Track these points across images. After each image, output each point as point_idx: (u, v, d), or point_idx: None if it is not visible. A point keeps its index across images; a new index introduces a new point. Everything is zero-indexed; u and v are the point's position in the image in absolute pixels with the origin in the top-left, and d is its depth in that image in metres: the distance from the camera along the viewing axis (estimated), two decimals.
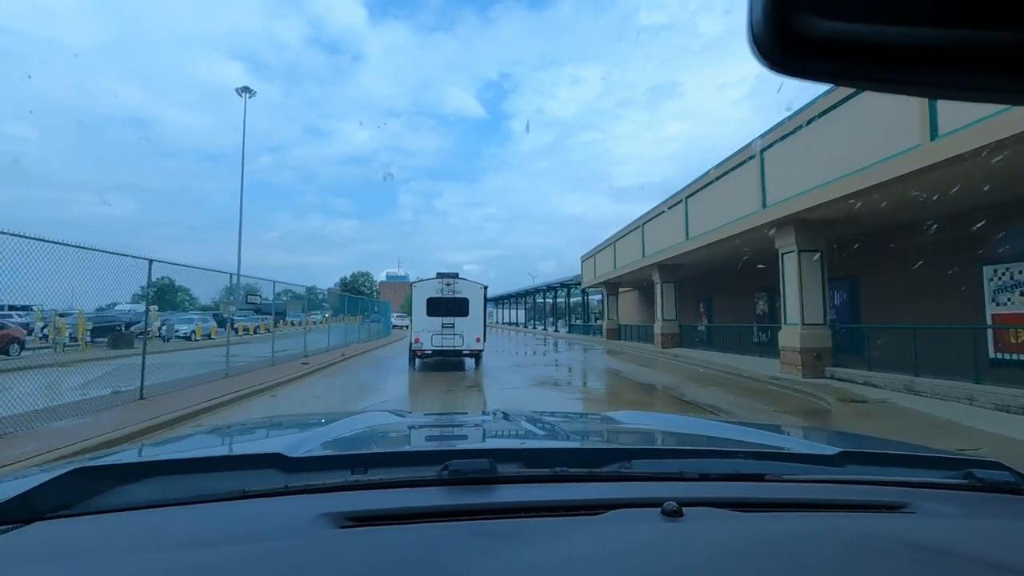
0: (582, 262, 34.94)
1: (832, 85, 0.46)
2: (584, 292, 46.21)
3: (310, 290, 24.64)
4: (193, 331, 31.83)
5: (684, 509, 0.83)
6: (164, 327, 29.79)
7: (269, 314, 38.07)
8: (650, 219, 21.74)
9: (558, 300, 54.26)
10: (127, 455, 1.24)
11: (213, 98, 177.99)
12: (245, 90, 68.99)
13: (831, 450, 1.19)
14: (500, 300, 78.48)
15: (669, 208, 19.52)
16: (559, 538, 0.77)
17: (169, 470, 1.01)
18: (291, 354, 18.76)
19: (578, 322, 48.95)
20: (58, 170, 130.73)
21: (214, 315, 42.39)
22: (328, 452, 1.19)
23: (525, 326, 61.92)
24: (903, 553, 0.76)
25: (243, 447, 1.48)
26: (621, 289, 31.56)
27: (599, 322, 49.76)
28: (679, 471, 1.04)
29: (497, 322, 76.51)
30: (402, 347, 26.50)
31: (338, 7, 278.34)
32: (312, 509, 0.82)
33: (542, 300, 59.53)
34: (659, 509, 0.83)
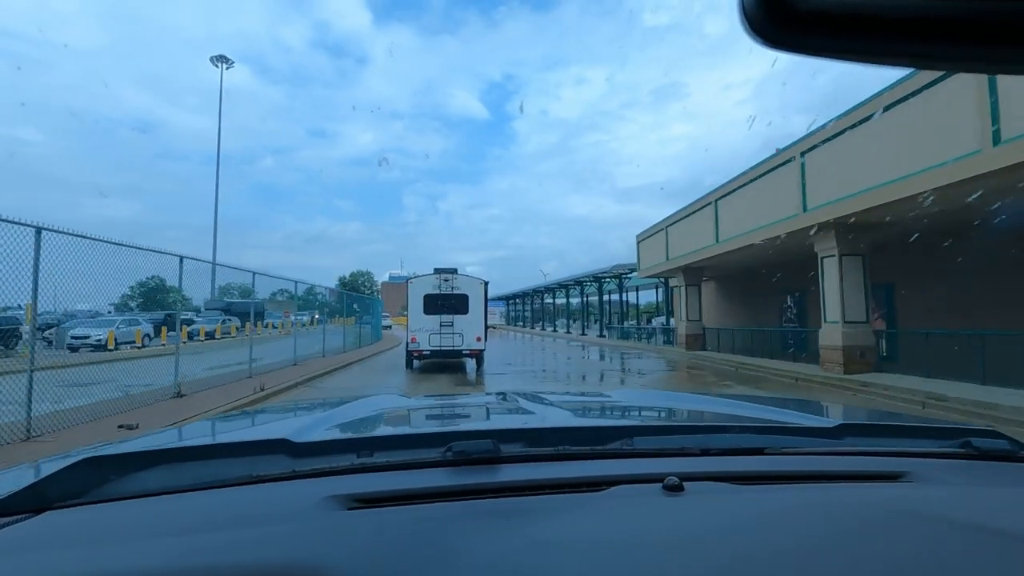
0: (638, 243, 24.95)
1: (826, 59, 0.41)
2: (621, 286, 36.31)
3: (309, 290, 20.72)
4: (105, 338, 22.48)
5: (685, 484, 0.82)
6: (53, 332, 20.96)
7: (246, 314, 28.84)
8: (822, 142, 11.77)
9: (584, 298, 44.23)
10: (137, 444, 1.18)
11: (217, 100, 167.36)
12: (221, 59, 59.70)
13: (830, 422, 1.19)
14: (510, 299, 68.51)
15: (900, 101, 9.47)
16: (562, 514, 0.76)
17: (178, 457, 1.00)
18: (158, 387, 9.35)
19: (601, 323, 39.01)
20: (65, 173, 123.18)
21: (167, 315, 33.16)
22: (334, 436, 1.18)
23: (544, 328, 51.82)
24: (902, 521, 0.76)
25: (250, 433, 1.47)
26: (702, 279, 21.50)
27: (630, 324, 39.86)
28: (680, 446, 1.04)
29: (506, 324, 66.35)
30: (387, 364, 16.85)
31: (343, 11, 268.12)
32: (319, 492, 0.81)
33: (563, 298, 49.57)
34: (661, 484, 0.83)
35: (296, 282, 16.06)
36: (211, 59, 55.98)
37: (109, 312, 22.34)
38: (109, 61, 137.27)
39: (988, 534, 0.72)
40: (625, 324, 36.99)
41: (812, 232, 12.42)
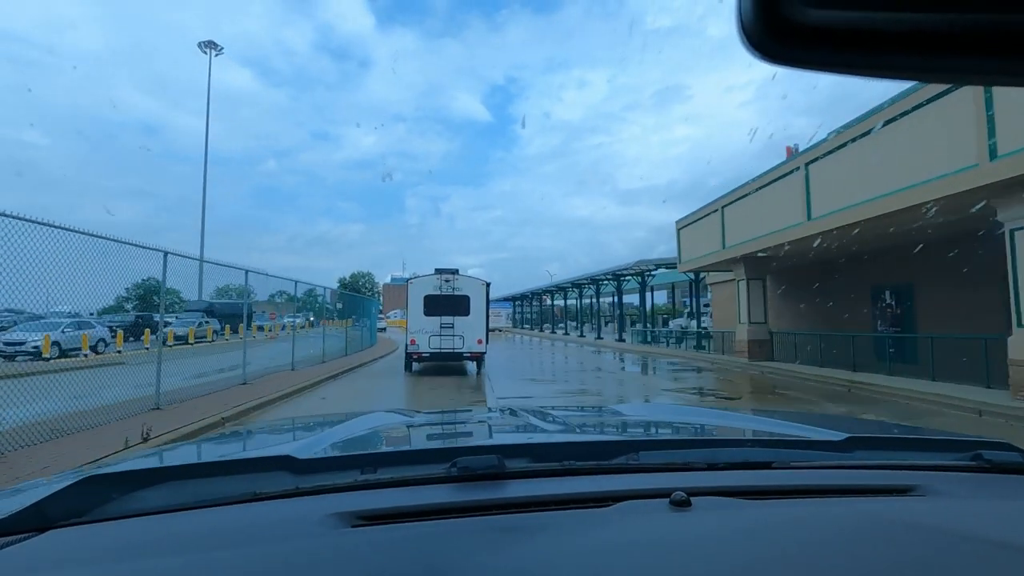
0: (679, 231, 20.62)
1: (824, 74, 0.40)
2: (643, 285, 32.07)
3: (309, 292, 18.79)
4: (40, 346, 18.57)
5: (692, 499, 0.80)
6: None
7: (231, 316, 23.87)
8: None
9: (598, 298, 39.99)
10: (138, 462, 1.15)
11: (223, 104, 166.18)
12: (210, 45, 55.66)
13: (839, 436, 1.13)
14: (517, 300, 64.28)
15: None
16: (568, 531, 0.74)
17: (180, 475, 0.98)
18: None
19: (619, 326, 34.71)
20: (69, 175, 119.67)
21: (139, 316, 29.18)
22: (337, 453, 1.14)
23: (554, 331, 47.42)
24: (913, 535, 0.74)
25: (253, 450, 1.40)
26: (751, 276, 17.11)
27: (649, 327, 35.50)
28: (686, 461, 1.01)
29: (512, 327, 61.90)
30: (374, 381, 12.70)
31: (346, 14, 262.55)
32: (323, 509, 0.79)
33: (575, 299, 45.31)
34: (667, 499, 0.81)
35: (247, 271, 11.84)
36: (199, 45, 51.95)
37: (92, 315, 18.46)
38: (113, 65, 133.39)
39: (999, 548, 0.70)
40: (645, 327, 32.69)
41: (1000, 192, 8.18)
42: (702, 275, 26.60)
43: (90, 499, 0.82)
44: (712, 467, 0.99)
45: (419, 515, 0.78)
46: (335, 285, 76.26)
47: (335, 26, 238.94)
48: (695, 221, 19.11)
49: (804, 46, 0.38)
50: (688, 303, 46.59)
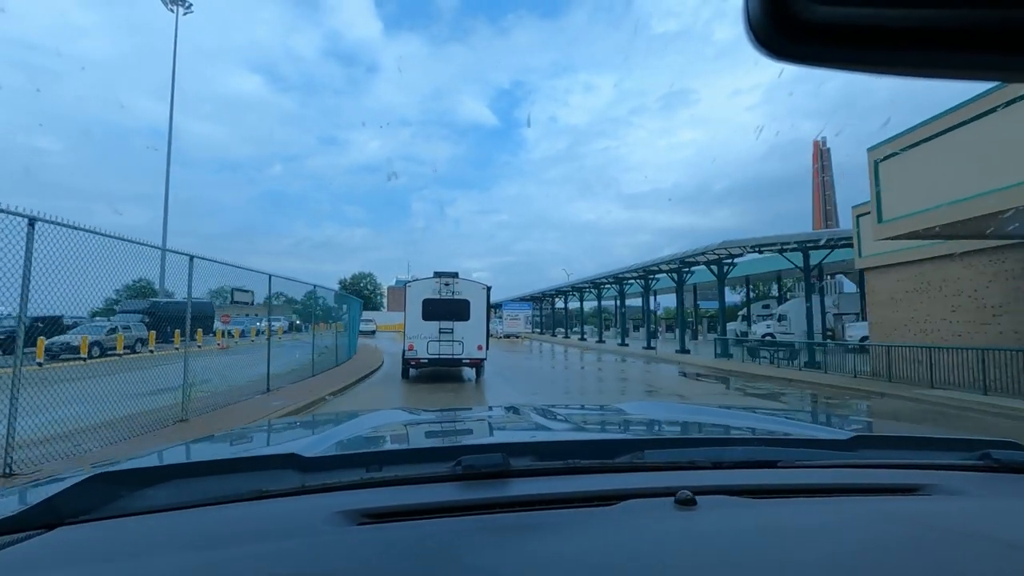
0: (877, 164, 11.13)
1: (833, 71, 0.40)
2: (721, 276, 22.88)
3: (308, 295, 16.06)
4: None
5: (698, 498, 0.80)
6: None
7: (179, 318, 15.25)
8: None
9: (650, 296, 30.74)
10: (146, 460, 1.17)
11: (231, 109, 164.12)
12: (176, 1, 47.24)
13: (845, 435, 1.14)
14: (537, 300, 55.03)
15: None
16: (573, 529, 0.74)
17: (188, 473, 0.97)
18: None
19: (681, 333, 25.40)
20: (77, 180, 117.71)
21: (35, 321, 19.79)
22: (343, 451, 1.14)
23: (583, 338, 37.83)
24: (919, 535, 0.74)
25: (259, 448, 1.42)
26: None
27: (709, 333, 25.93)
28: (691, 460, 1.00)
29: (531, 332, 52.56)
30: None
31: (354, 20, 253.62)
32: (329, 507, 0.79)
33: (614, 297, 36.14)
34: (672, 498, 0.80)
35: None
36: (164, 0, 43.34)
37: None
38: (121, 71, 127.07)
39: (1009, 547, 0.69)
40: (724, 335, 23.42)
41: None
42: (822, 259, 17.49)
43: (99, 496, 0.81)
44: (717, 466, 0.98)
45: (424, 513, 0.78)
46: (336, 287, 68.13)
47: (343, 32, 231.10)
48: (931, 138, 9.83)
49: (812, 43, 0.37)
50: (744, 304, 37.26)
